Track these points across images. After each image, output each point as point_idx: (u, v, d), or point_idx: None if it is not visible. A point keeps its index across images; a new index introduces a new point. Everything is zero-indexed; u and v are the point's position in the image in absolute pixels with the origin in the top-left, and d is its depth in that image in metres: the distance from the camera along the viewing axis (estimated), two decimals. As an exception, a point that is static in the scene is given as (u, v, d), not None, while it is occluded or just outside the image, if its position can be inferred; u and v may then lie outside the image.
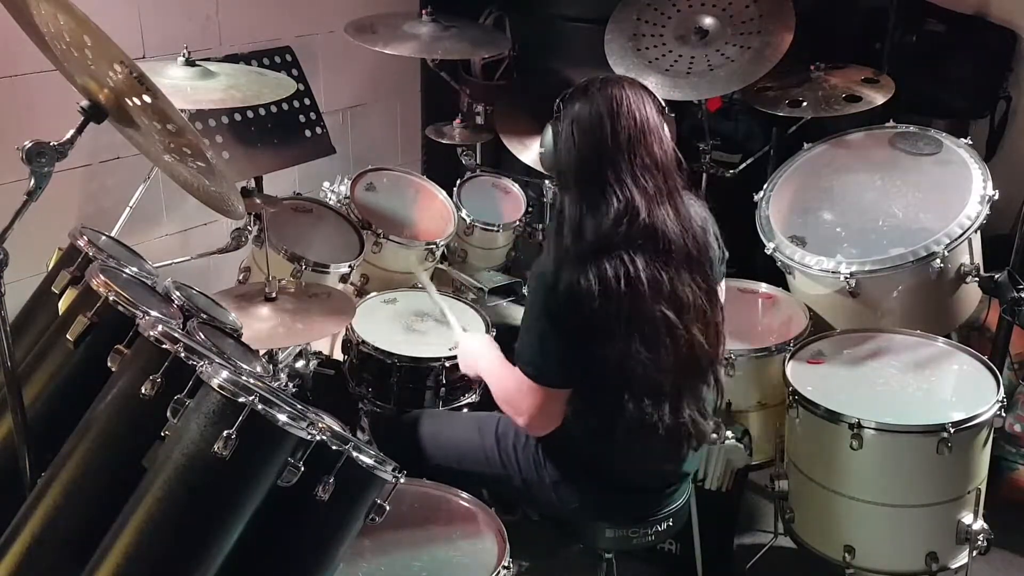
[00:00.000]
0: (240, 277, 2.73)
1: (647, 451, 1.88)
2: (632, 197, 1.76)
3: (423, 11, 3.00)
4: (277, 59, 3.04)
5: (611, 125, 1.77)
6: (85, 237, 1.77)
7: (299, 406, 1.44)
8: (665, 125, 1.84)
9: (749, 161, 3.16)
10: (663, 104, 1.88)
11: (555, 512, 2.01)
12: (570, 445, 1.91)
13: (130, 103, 1.54)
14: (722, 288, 1.97)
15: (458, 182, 3.14)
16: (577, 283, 1.74)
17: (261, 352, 2.06)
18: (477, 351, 2.13)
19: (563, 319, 1.78)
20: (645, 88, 1.86)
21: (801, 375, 2.31)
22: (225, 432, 1.30)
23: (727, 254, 1.99)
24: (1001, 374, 2.27)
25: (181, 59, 2.20)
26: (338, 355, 2.69)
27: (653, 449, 1.88)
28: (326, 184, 2.95)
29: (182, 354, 1.41)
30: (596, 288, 1.73)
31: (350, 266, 2.69)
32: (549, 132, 1.91)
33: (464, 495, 1.88)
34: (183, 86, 2.12)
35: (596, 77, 1.87)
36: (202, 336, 1.60)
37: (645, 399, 1.80)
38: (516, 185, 3.22)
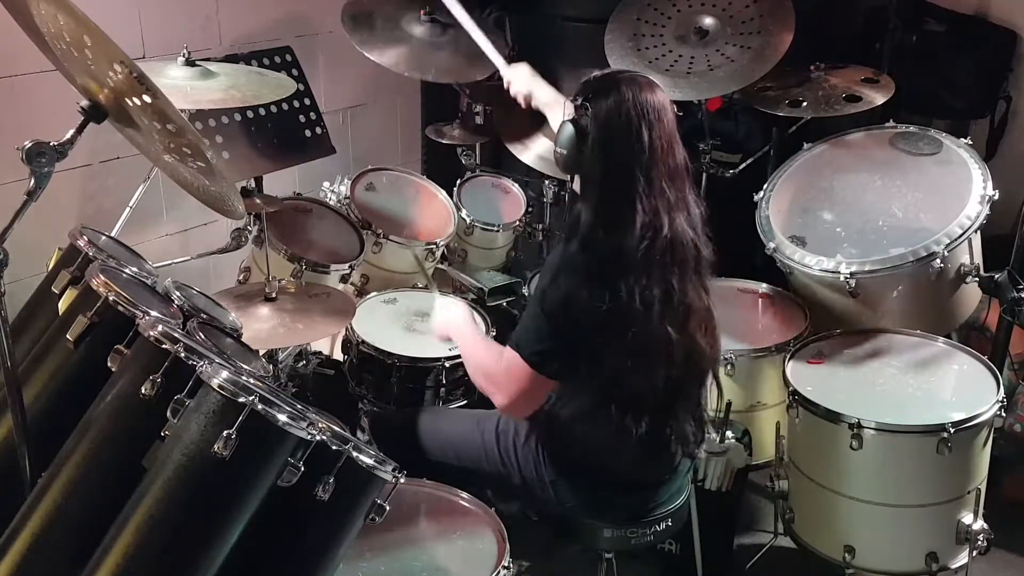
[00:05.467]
0: (240, 277, 2.73)
1: (631, 456, 1.88)
2: (657, 210, 1.74)
3: (422, 11, 2.99)
4: (277, 59, 3.03)
5: (648, 135, 1.72)
6: (85, 237, 1.77)
7: (299, 406, 1.44)
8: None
9: (749, 161, 3.16)
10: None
11: (553, 510, 2.01)
12: (569, 444, 1.91)
13: (130, 103, 1.54)
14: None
15: (458, 182, 3.14)
16: (582, 295, 1.73)
17: (261, 352, 2.06)
18: (456, 318, 2.08)
19: (563, 320, 1.78)
20: (661, 88, 1.81)
21: (801, 375, 2.31)
22: (225, 432, 1.30)
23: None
24: (1001, 374, 2.27)
25: (181, 59, 2.19)
26: (338, 355, 2.69)
27: (636, 455, 1.88)
28: (326, 184, 2.96)
29: (182, 354, 1.41)
30: (607, 306, 1.72)
31: (350, 266, 2.69)
32: (570, 130, 1.79)
33: (464, 495, 1.88)
34: (183, 86, 2.12)
35: (616, 74, 1.83)
36: (202, 336, 1.60)
37: (628, 413, 1.80)
38: (516, 185, 3.22)
